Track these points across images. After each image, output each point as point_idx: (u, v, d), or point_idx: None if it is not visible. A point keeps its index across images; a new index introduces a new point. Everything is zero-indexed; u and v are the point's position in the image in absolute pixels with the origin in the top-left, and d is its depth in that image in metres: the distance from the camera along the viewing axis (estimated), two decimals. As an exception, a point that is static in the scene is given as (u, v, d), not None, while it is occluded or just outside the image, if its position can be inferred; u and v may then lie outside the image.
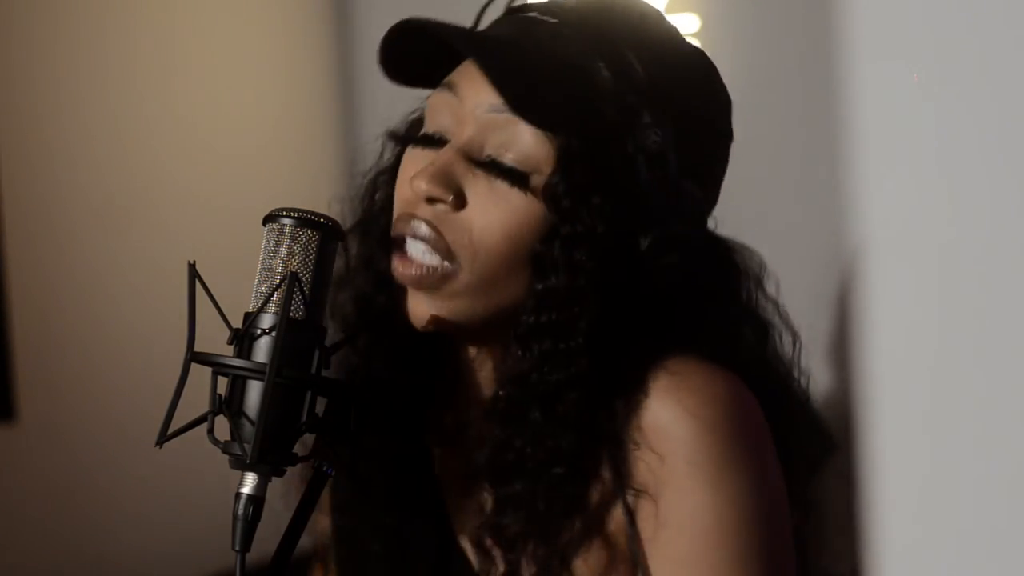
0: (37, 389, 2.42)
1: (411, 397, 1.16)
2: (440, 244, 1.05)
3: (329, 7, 3.13)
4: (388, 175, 1.15)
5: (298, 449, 1.03)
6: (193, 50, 2.78)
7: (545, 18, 1.08)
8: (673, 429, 1.03)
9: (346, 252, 1.15)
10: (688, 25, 2.74)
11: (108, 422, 2.52)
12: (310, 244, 1.03)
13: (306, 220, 1.03)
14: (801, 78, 2.60)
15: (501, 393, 1.08)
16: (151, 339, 2.52)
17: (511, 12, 1.13)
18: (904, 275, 0.54)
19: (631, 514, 1.04)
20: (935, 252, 0.53)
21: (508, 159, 1.05)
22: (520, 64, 1.06)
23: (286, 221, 1.03)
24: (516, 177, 1.04)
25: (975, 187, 0.53)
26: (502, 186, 1.05)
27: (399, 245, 1.08)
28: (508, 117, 1.04)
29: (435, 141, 1.09)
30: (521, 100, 1.03)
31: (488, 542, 1.08)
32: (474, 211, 1.05)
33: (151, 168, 2.66)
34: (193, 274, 1.04)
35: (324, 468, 1.05)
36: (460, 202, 1.05)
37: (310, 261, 1.03)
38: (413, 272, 1.06)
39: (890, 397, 0.54)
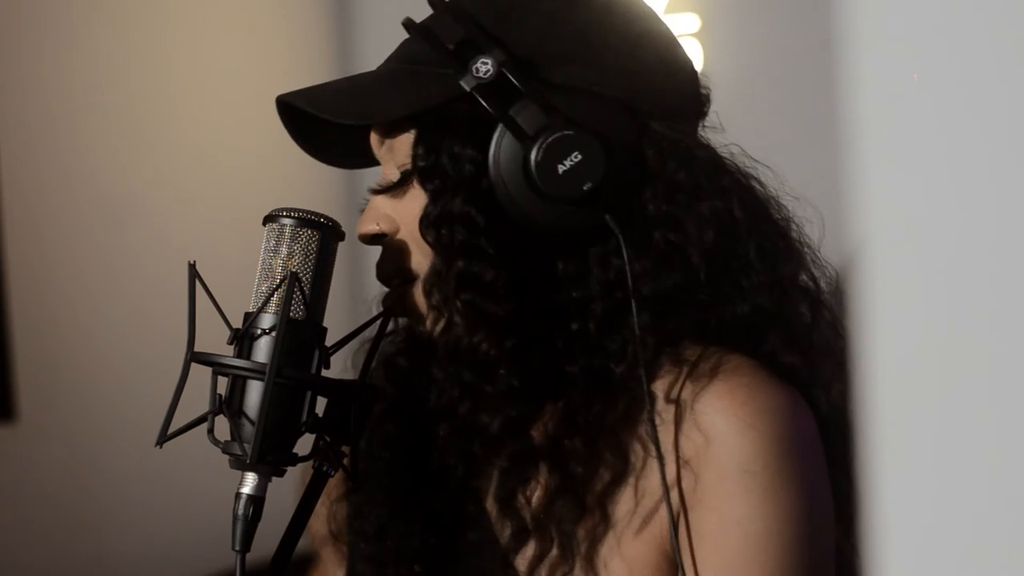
0: (37, 389, 2.42)
1: None
2: (403, 271, 1.11)
3: (330, 7, 3.13)
4: None
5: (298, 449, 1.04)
6: (192, 51, 2.78)
7: (407, 36, 1.14)
8: (730, 437, 1.03)
9: None
10: (688, 25, 2.74)
11: (108, 422, 2.52)
12: (310, 244, 1.03)
13: (306, 220, 1.03)
14: (801, 77, 2.60)
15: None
16: (151, 339, 2.52)
17: None
18: (906, 275, 0.54)
19: (669, 481, 1.05)
20: (937, 251, 0.53)
21: (403, 166, 1.10)
22: (353, 90, 1.14)
23: (286, 221, 1.03)
24: (410, 177, 1.10)
25: (976, 186, 0.53)
26: (410, 191, 1.10)
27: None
28: (386, 141, 1.12)
29: None
30: (357, 112, 1.11)
31: (518, 500, 1.09)
32: (405, 226, 1.11)
33: (151, 169, 2.66)
34: (193, 274, 1.04)
35: (324, 468, 1.05)
36: (393, 226, 1.11)
37: (310, 261, 1.03)
38: (402, 305, 1.12)
39: (892, 397, 0.54)
